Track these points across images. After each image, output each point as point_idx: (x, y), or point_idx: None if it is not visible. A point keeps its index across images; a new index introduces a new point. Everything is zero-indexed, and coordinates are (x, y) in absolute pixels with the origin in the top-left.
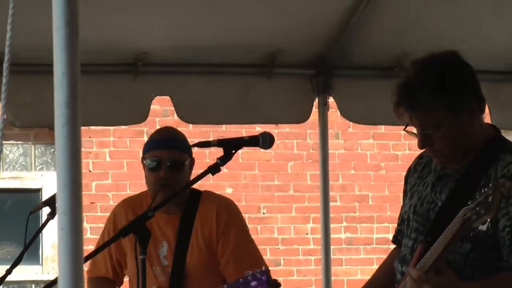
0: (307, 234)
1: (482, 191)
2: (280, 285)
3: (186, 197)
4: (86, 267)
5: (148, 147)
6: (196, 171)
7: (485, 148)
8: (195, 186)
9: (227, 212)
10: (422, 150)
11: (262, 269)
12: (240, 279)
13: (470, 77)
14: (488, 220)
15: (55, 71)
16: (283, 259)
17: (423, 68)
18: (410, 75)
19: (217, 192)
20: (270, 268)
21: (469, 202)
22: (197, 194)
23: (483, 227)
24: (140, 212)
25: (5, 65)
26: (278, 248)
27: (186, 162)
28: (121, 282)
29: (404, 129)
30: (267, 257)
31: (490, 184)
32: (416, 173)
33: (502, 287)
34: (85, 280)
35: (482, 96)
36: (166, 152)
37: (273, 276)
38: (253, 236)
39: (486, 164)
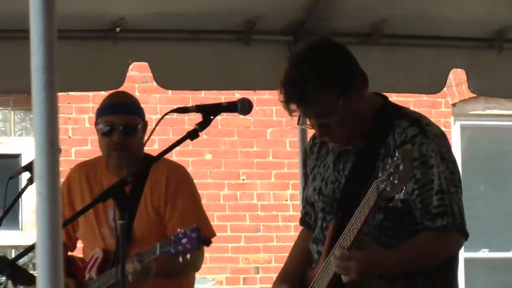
0: (286, 200)
1: (391, 161)
2: (211, 243)
3: (138, 161)
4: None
5: (101, 112)
6: (175, 137)
7: (377, 118)
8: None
9: (177, 178)
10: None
11: (193, 227)
12: (172, 237)
13: (349, 57)
14: (404, 187)
15: (32, 36)
16: (262, 225)
17: (301, 62)
18: (291, 71)
19: (195, 159)
20: (249, 234)
21: (379, 174)
22: (149, 159)
23: (400, 195)
24: (93, 177)
25: None
26: (258, 215)
27: (139, 126)
28: (74, 246)
29: (298, 124)
30: (246, 223)
31: (397, 153)
32: (313, 155)
33: (422, 248)
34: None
35: (362, 70)
36: (119, 117)
37: (253, 243)
38: (232, 203)
39: (382, 133)
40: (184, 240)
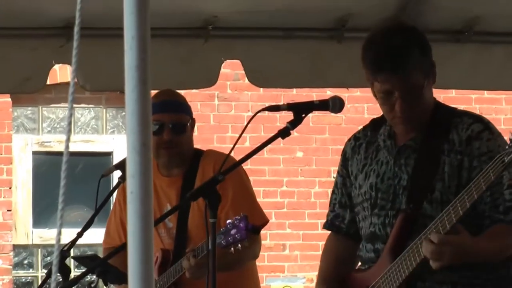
0: None
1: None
2: (263, 226)
3: (189, 158)
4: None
5: None
6: (267, 135)
7: (435, 115)
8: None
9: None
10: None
11: (240, 215)
12: (222, 229)
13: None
14: None
15: (126, 35)
16: None
17: (404, 30)
18: (394, 37)
19: (286, 156)
20: None
21: (507, 147)
22: (199, 154)
23: None
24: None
25: (75, 28)
26: None
27: (188, 124)
28: None
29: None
30: None
31: None
32: (358, 155)
33: (503, 239)
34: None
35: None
36: (168, 115)
37: None
38: (323, 200)
39: (442, 129)
40: (233, 231)
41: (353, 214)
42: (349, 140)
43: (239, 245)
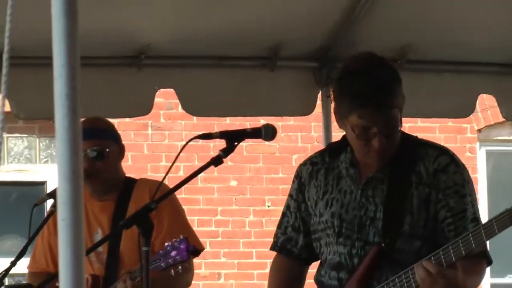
0: None
1: None
2: (201, 251)
3: (120, 185)
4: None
5: None
6: (200, 164)
7: (400, 145)
8: (200, 178)
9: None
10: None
11: (180, 238)
12: (161, 251)
13: None
14: None
15: (55, 63)
16: None
17: (382, 65)
18: (375, 73)
19: (220, 185)
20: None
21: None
22: (132, 181)
23: None
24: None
25: (4, 56)
26: None
27: (108, 150)
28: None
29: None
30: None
31: None
32: (316, 181)
33: (479, 275)
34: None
35: None
36: (86, 142)
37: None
38: (257, 229)
39: (408, 161)
40: (173, 253)
41: (307, 239)
42: (305, 164)
43: (180, 267)
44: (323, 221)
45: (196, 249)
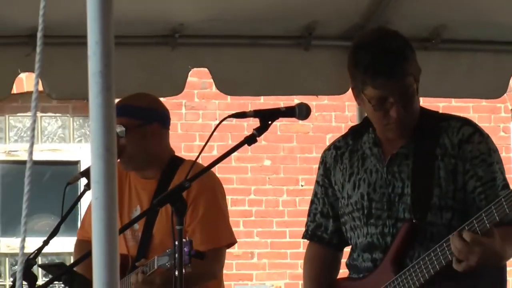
0: None
1: None
2: (204, 256)
3: (163, 164)
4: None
5: None
6: (234, 143)
7: (421, 120)
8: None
9: (200, 181)
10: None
11: (186, 240)
12: (167, 250)
13: None
14: None
15: (89, 41)
16: None
17: (395, 36)
18: (388, 42)
19: (254, 165)
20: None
21: None
22: (178, 162)
23: None
24: (124, 177)
25: (38, 34)
26: None
27: (134, 128)
28: None
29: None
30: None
31: None
32: (341, 164)
33: None
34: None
35: None
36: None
37: None
38: (291, 209)
39: (431, 135)
40: (177, 254)
41: (336, 224)
42: (329, 149)
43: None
44: (352, 203)
45: (200, 253)
